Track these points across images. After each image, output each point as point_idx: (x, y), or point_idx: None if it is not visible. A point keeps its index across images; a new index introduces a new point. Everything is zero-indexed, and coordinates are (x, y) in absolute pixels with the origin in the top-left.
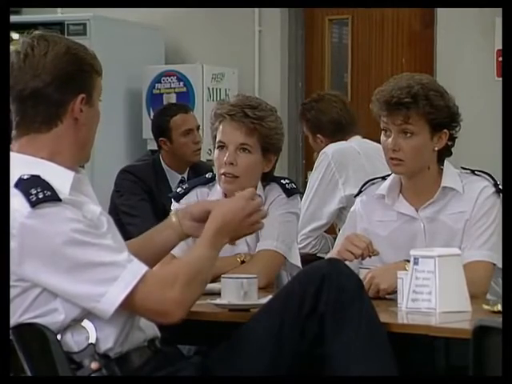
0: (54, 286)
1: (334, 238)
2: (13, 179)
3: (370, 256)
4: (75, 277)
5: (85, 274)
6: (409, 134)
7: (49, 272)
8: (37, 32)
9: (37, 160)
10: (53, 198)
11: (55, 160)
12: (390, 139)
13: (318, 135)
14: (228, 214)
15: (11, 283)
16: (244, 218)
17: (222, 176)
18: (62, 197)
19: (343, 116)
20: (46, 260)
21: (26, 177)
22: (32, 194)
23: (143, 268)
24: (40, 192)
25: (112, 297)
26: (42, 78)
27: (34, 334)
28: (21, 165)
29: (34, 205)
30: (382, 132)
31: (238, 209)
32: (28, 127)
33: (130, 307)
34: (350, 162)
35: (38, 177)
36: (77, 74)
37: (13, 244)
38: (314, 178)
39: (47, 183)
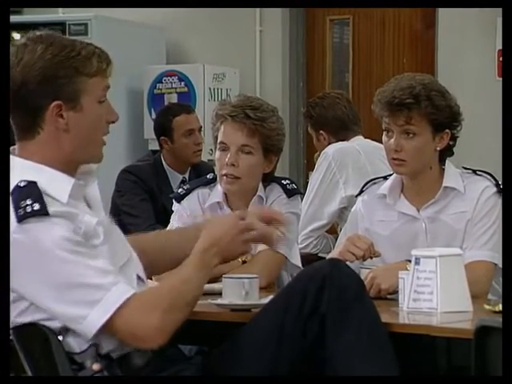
0: (39, 303)
1: (336, 238)
2: (11, 184)
3: (371, 257)
4: (59, 296)
5: (68, 294)
6: (411, 135)
7: (34, 287)
8: (34, 32)
9: (37, 165)
10: (40, 212)
11: (51, 165)
12: (392, 140)
13: (321, 131)
14: (217, 231)
15: None
16: (235, 236)
17: (224, 177)
18: (52, 209)
19: (347, 114)
20: (31, 275)
21: (22, 184)
22: (20, 208)
23: (127, 292)
24: (29, 205)
25: (93, 320)
26: (14, 81)
27: (36, 334)
28: (20, 169)
29: (20, 220)
30: (384, 132)
31: (229, 226)
32: (17, 132)
33: (110, 330)
34: (351, 161)
35: (35, 184)
36: (49, 81)
37: None
38: (314, 178)
39: (40, 193)
